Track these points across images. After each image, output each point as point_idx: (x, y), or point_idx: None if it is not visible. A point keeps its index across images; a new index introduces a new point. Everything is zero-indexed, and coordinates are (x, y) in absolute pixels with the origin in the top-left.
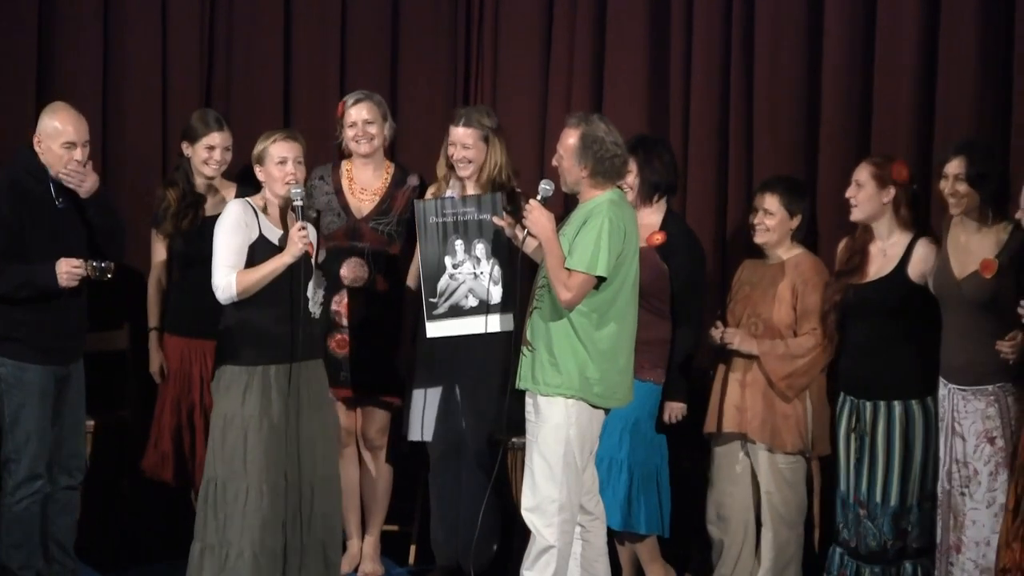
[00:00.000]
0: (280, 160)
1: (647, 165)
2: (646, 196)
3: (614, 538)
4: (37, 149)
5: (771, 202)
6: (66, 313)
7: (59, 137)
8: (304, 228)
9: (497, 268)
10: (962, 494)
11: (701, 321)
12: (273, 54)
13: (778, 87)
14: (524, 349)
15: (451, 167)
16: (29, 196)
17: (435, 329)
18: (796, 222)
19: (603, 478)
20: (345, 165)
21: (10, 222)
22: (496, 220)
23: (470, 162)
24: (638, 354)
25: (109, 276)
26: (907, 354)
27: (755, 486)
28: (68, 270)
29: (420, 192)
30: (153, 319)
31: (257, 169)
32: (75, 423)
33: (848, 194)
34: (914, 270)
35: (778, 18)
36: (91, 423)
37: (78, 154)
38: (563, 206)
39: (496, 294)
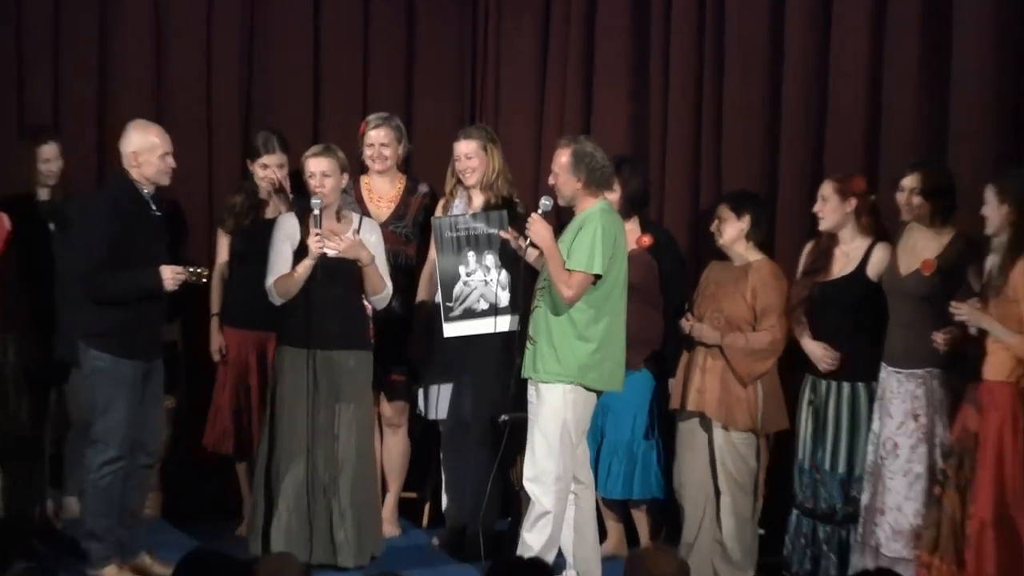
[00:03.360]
0: (309, 175)
1: (631, 181)
2: (625, 213)
3: (628, 508)
4: (133, 165)
5: (721, 209)
6: (152, 314)
7: (157, 150)
8: (319, 234)
9: (504, 275)
10: (881, 465)
11: (683, 310)
12: (303, 80)
13: (745, 113)
14: (527, 343)
15: (459, 181)
16: (130, 212)
17: (451, 329)
18: (745, 222)
19: (631, 458)
20: (363, 179)
21: (114, 236)
22: (502, 233)
23: (474, 170)
24: (639, 347)
25: (204, 280)
26: (860, 343)
27: (712, 458)
28: (172, 276)
29: (431, 198)
30: (215, 306)
31: (305, 179)
32: (156, 412)
33: (815, 209)
34: (872, 270)
35: (745, 53)
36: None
37: (171, 160)
38: (557, 220)
39: (504, 298)
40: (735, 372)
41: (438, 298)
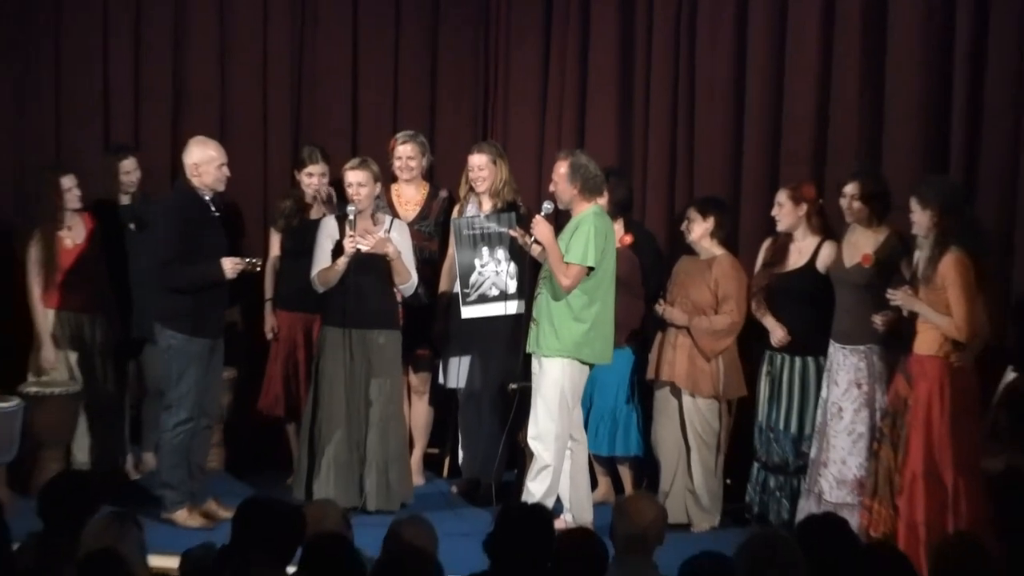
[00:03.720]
0: (348, 184)
1: (617, 189)
2: (613, 215)
3: (615, 463)
4: (194, 175)
5: (690, 212)
6: (216, 299)
7: (214, 162)
8: (352, 236)
9: (513, 266)
10: (828, 425)
11: (658, 297)
12: (343, 102)
13: (712, 133)
14: (531, 323)
15: (471, 188)
16: (193, 215)
17: (468, 312)
18: (710, 223)
19: (617, 420)
20: (394, 186)
21: (183, 235)
22: (511, 232)
23: (484, 179)
24: (623, 328)
25: (258, 269)
26: (811, 323)
27: (682, 420)
28: (232, 266)
29: (448, 202)
30: (269, 292)
31: (344, 187)
32: (217, 382)
33: (773, 213)
34: (821, 264)
35: (712, 85)
36: (230, 376)
37: (226, 170)
38: (556, 221)
39: (512, 286)
40: (700, 349)
41: (457, 286)
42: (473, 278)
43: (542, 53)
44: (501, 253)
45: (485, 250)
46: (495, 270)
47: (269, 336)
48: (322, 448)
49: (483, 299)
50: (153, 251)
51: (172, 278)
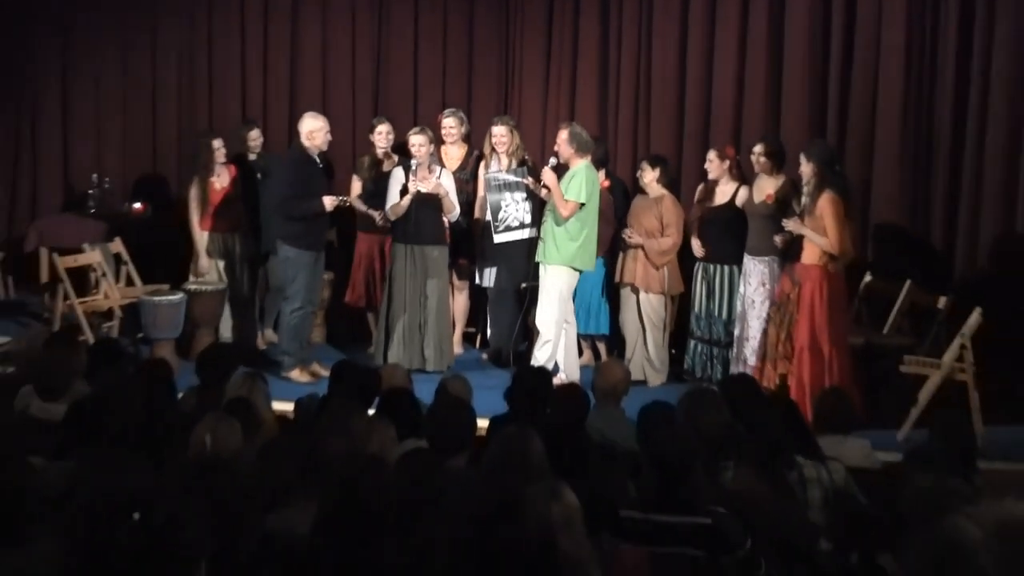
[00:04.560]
0: (411, 145)
1: (598, 149)
2: (596, 167)
3: (594, 339)
4: (308, 139)
5: (643, 164)
6: (320, 224)
7: (322, 130)
8: (414, 181)
9: (528, 204)
10: (746, 312)
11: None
12: (407, 86)
13: (662, 110)
14: (540, 242)
15: (493, 149)
16: (305, 166)
17: (498, 238)
18: (657, 172)
19: (595, 309)
20: (442, 148)
21: (297, 180)
22: (526, 181)
23: (504, 144)
24: (600, 245)
25: (347, 205)
26: (732, 242)
27: (639, 309)
28: (330, 202)
29: (479, 159)
30: (362, 207)
31: (408, 147)
32: (319, 281)
33: (705, 166)
34: (738, 201)
35: (664, 78)
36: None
37: (329, 136)
38: (557, 172)
39: (527, 219)
40: (650, 260)
41: (488, 217)
42: (501, 214)
43: (544, 55)
44: (519, 195)
45: (508, 194)
46: (516, 208)
47: (380, 222)
48: (393, 327)
49: (508, 228)
50: (276, 191)
51: (290, 209)
